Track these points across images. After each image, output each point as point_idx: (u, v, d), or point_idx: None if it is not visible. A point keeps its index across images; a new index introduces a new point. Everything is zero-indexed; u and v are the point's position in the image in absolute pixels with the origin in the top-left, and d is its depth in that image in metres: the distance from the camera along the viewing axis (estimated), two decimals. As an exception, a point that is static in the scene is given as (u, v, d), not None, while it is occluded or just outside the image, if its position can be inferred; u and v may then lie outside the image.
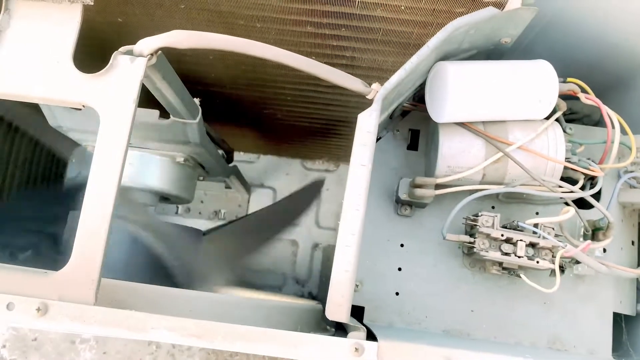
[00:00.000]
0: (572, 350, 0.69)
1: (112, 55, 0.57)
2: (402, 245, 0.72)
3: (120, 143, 0.54)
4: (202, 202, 1.25)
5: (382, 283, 0.71)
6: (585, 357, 0.68)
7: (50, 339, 1.44)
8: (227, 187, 1.27)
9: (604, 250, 0.72)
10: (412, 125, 0.76)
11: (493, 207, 0.73)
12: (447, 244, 0.71)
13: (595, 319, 0.70)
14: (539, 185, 0.65)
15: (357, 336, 0.52)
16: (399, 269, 0.71)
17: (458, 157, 0.66)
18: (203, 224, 1.23)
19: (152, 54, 0.58)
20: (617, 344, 0.75)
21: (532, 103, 0.64)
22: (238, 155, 1.40)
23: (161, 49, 0.58)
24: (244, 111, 1.08)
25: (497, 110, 0.64)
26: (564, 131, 0.74)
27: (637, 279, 0.77)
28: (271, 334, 0.50)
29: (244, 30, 0.77)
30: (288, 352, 0.50)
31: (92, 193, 0.52)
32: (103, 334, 0.51)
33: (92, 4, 0.59)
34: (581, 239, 0.71)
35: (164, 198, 0.96)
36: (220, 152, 1.09)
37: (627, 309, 0.74)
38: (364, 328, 0.52)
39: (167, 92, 0.68)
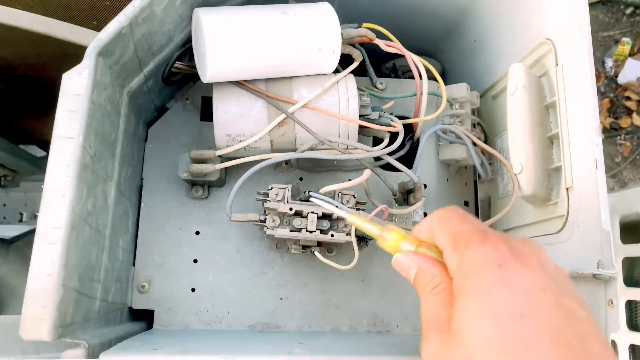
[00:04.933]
0: (395, 329, 0.62)
1: None
2: (197, 233, 0.62)
3: None
4: (25, 204, 1.09)
5: (174, 280, 0.60)
6: (408, 337, 0.60)
7: None
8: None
9: (425, 215, 0.65)
10: (205, 92, 0.65)
11: (301, 179, 0.64)
12: (251, 226, 0.62)
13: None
14: (332, 149, 0.57)
15: (72, 355, 0.41)
16: (195, 261, 0.61)
17: (237, 122, 0.56)
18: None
19: None
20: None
21: (312, 53, 0.55)
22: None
23: None
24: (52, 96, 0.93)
25: (274, 64, 0.54)
26: (375, 86, 0.67)
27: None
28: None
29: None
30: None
31: None
32: None
33: None
34: (396, 205, 0.63)
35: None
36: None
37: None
38: (85, 344, 0.42)
39: None
